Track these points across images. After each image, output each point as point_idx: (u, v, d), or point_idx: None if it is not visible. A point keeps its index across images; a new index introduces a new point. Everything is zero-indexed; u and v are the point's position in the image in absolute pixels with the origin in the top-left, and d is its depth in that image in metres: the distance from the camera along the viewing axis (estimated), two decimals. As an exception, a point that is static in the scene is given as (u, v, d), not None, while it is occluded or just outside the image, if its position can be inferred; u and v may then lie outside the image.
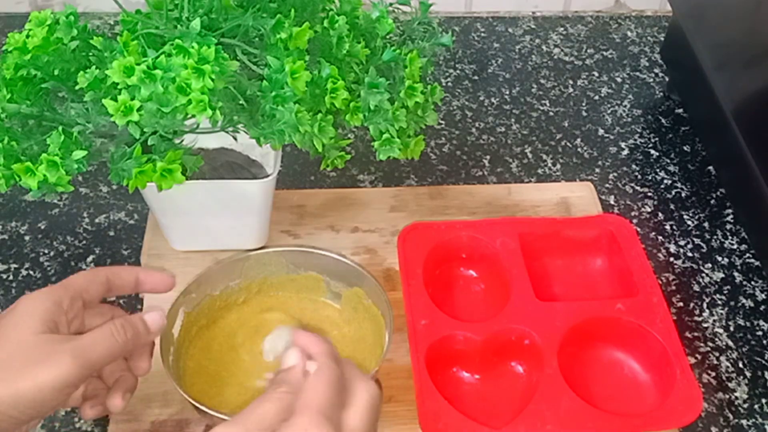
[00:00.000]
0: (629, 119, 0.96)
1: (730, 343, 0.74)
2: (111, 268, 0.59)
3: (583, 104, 0.98)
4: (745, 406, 0.70)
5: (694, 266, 0.81)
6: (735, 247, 0.82)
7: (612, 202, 0.86)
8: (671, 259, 0.81)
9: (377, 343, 0.65)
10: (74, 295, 0.54)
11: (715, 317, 0.76)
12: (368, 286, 0.66)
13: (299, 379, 0.52)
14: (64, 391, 0.50)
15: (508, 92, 0.99)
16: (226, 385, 0.64)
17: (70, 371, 0.49)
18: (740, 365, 0.73)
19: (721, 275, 0.80)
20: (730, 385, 0.71)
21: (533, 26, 1.10)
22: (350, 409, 0.50)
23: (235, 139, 0.65)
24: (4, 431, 0.49)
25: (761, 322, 0.76)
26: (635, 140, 0.94)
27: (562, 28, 1.10)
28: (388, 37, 0.67)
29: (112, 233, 0.81)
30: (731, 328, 0.76)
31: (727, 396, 0.71)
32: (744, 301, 0.78)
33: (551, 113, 0.97)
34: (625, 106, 0.98)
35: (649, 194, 0.88)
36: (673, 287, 0.79)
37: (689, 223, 0.85)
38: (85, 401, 0.56)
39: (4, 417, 0.48)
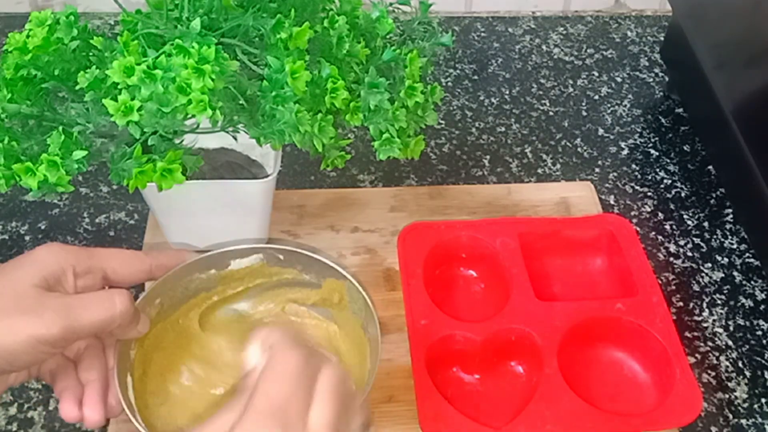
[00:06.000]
0: (629, 119, 0.96)
1: (730, 342, 0.74)
2: (156, 257, 0.57)
3: (583, 104, 0.98)
4: (745, 405, 0.70)
5: (694, 266, 0.81)
6: (735, 246, 0.82)
7: (612, 202, 0.86)
8: (671, 258, 0.81)
9: (365, 352, 0.63)
10: (95, 265, 0.53)
11: (715, 317, 0.76)
12: (348, 287, 0.65)
13: None
14: (40, 349, 0.48)
15: (508, 92, 0.99)
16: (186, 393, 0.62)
17: (50, 329, 0.47)
18: (740, 365, 0.73)
19: (721, 275, 0.80)
20: (729, 384, 0.71)
21: (533, 26, 1.10)
22: (313, 404, 0.44)
23: (235, 139, 0.64)
24: None
25: (761, 322, 0.76)
26: (635, 140, 0.94)
27: (562, 28, 1.10)
28: (388, 37, 0.67)
29: (112, 233, 0.81)
30: (731, 328, 0.76)
31: (727, 396, 0.71)
32: (744, 300, 0.78)
33: (551, 113, 0.97)
34: (625, 106, 0.98)
35: (649, 194, 0.88)
36: (673, 287, 0.79)
37: (689, 222, 0.85)
38: (63, 394, 0.53)
39: None
